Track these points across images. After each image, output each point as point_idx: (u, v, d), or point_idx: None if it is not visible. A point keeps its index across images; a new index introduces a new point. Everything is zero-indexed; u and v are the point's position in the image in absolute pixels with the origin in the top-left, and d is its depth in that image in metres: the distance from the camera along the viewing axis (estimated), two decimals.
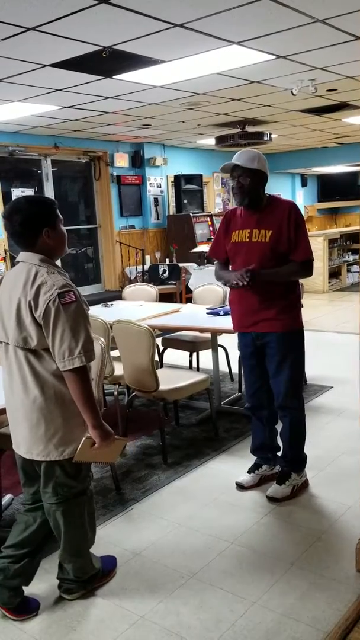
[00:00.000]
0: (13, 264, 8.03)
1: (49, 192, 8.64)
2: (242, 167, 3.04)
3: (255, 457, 3.45)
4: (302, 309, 3.23)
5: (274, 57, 4.84)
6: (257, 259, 3.06)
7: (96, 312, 4.69)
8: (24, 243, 2.26)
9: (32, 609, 2.42)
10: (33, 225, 2.23)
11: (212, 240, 3.46)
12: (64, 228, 2.36)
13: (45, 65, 4.69)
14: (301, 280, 3.87)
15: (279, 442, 3.37)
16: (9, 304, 2.23)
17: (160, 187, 10.15)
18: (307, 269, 3.12)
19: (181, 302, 8.33)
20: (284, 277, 3.10)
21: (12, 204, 2.28)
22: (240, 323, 3.26)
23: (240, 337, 3.31)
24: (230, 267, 3.27)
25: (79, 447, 2.25)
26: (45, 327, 2.14)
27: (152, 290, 5.82)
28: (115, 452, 2.43)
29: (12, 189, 8.10)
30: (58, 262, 2.41)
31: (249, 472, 3.41)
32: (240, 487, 3.35)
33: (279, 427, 3.36)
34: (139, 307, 5.18)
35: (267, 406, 3.32)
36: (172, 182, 10.29)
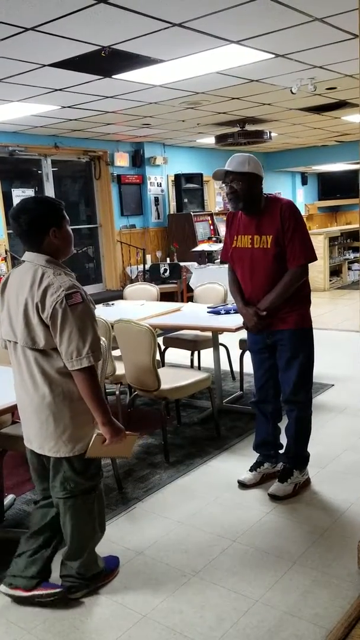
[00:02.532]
0: (14, 264, 8.02)
1: (50, 192, 8.64)
2: (233, 172, 3.02)
3: (257, 455, 3.45)
4: None
5: (273, 55, 4.84)
6: (262, 268, 3.06)
7: (97, 311, 4.61)
8: (30, 243, 2.28)
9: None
10: (40, 225, 2.25)
11: (223, 242, 3.44)
12: (70, 229, 2.37)
13: (44, 65, 4.69)
14: None
15: (282, 440, 3.38)
16: (16, 304, 2.26)
17: (161, 186, 10.15)
18: (300, 275, 3.05)
19: (182, 301, 8.33)
20: (285, 294, 3.05)
21: (19, 204, 2.30)
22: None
23: (249, 333, 3.31)
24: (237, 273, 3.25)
25: (90, 443, 2.29)
26: (52, 329, 2.17)
27: (153, 289, 5.82)
28: (128, 447, 2.47)
29: (12, 189, 8.11)
30: None
31: (251, 470, 3.41)
32: (242, 485, 3.36)
33: (282, 425, 3.37)
34: (140, 307, 5.18)
35: (273, 401, 3.33)
36: (172, 181, 10.29)
